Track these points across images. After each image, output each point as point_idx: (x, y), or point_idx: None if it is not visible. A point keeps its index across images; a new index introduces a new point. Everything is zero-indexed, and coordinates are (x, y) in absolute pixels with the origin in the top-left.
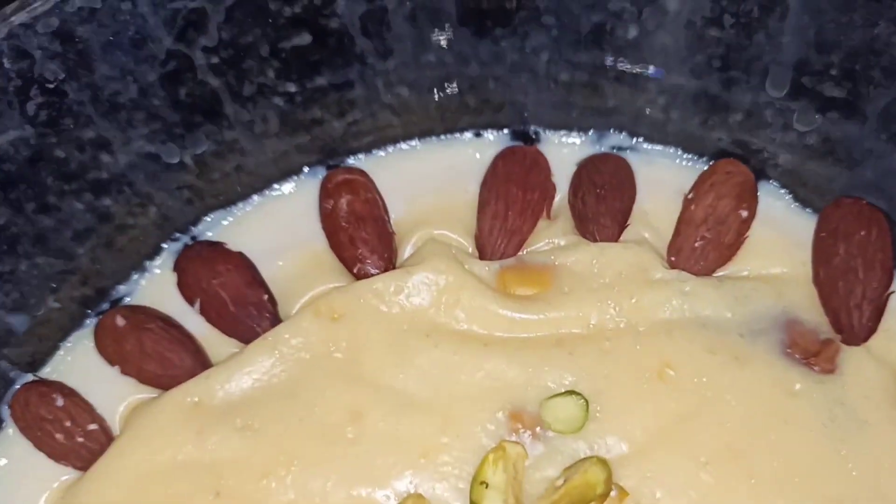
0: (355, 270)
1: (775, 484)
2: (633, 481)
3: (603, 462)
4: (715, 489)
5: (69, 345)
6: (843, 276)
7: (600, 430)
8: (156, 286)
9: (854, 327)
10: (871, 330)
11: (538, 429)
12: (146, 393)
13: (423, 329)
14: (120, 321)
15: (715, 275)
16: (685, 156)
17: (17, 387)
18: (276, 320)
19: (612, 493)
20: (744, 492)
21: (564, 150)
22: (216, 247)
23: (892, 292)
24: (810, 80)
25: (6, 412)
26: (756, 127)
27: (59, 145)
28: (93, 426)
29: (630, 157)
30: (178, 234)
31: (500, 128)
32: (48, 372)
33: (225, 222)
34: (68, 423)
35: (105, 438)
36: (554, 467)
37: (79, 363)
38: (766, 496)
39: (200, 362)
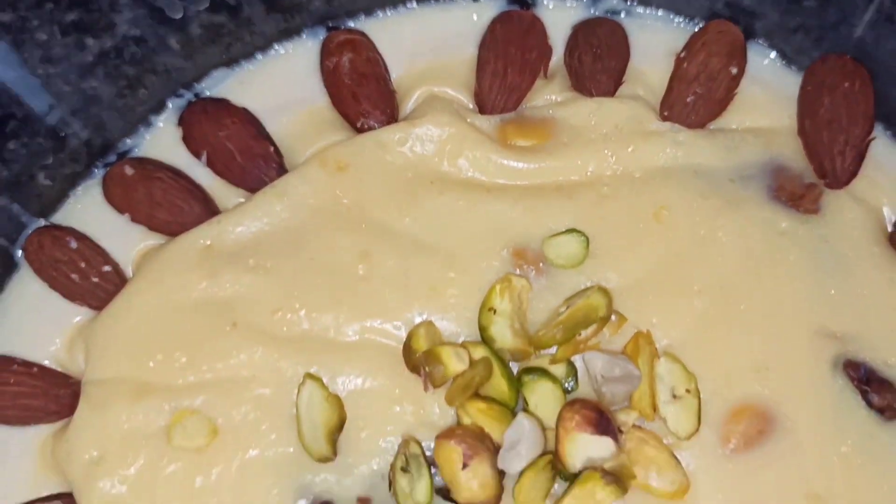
0: (358, 125)
1: (763, 311)
2: (631, 309)
3: (604, 290)
4: (707, 315)
5: (78, 193)
6: (827, 125)
7: (599, 265)
8: (161, 141)
9: (836, 172)
10: (853, 174)
11: (541, 265)
12: (157, 240)
13: (428, 177)
14: (128, 170)
15: (706, 127)
16: (677, 19)
17: (30, 229)
18: (282, 170)
19: (612, 319)
20: (735, 317)
21: (559, 14)
22: (221, 102)
23: (873, 139)
24: None
25: (20, 255)
26: None
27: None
28: (107, 268)
29: (624, 20)
30: (182, 91)
31: None
32: (59, 219)
33: (228, 81)
34: (83, 265)
35: (119, 280)
36: (556, 298)
37: (89, 211)
38: (754, 322)
39: (209, 210)
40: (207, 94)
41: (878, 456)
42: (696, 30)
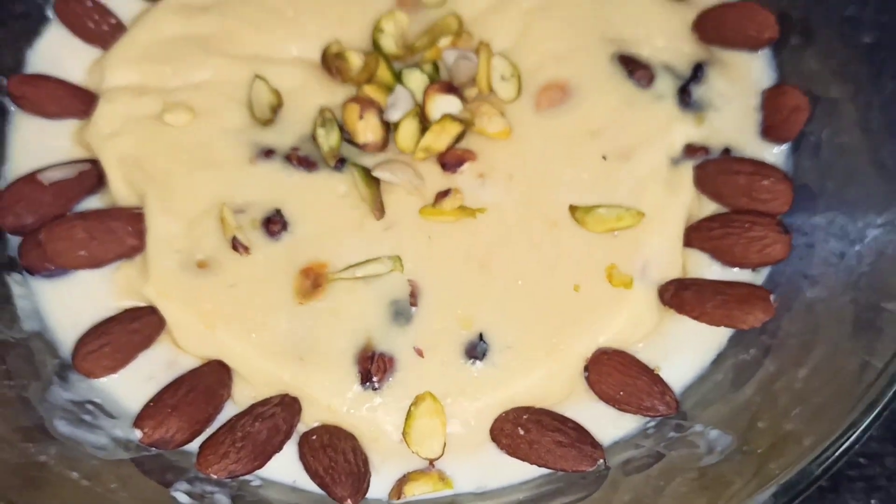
0: None
1: (567, 22)
2: (477, 29)
3: (457, 15)
4: (528, 28)
5: None
6: None
7: (455, 3)
8: None
9: None
10: None
11: (416, 5)
12: (149, 4)
13: None
14: None
15: None
16: None
17: None
18: None
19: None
20: (546, 27)
21: None
22: None
23: None
24: None
25: (51, 12)
26: None
27: None
28: (112, 20)
29: None
30: None
31: None
32: None
33: None
34: (96, 17)
35: (121, 28)
36: (426, 25)
37: None
38: (560, 29)
39: None
40: None
41: (637, 106)
42: None
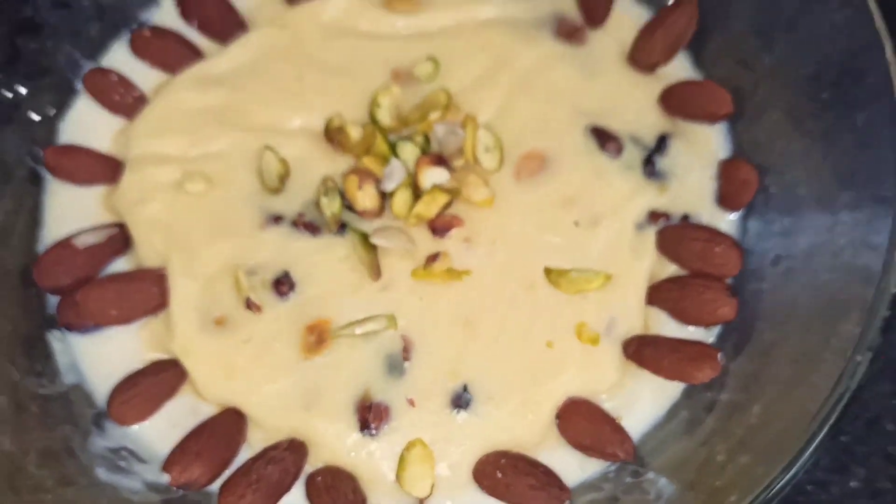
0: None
1: (545, 98)
2: (464, 102)
3: (446, 91)
4: (510, 102)
5: (115, 47)
6: None
7: (445, 78)
8: (166, 15)
9: (596, 17)
10: (604, 19)
11: (410, 80)
12: (167, 76)
13: (342, 29)
14: (147, 34)
15: None
16: None
17: (86, 69)
18: (246, 29)
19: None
20: (526, 102)
21: None
22: None
23: None
24: None
25: (80, 86)
26: None
27: None
28: (137, 93)
29: None
30: None
31: None
32: (104, 63)
33: None
34: (122, 90)
35: (144, 100)
36: (418, 98)
37: (123, 58)
38: (538, 104)
39: (199, 55)
40: None
41: (607, 176)
42: None
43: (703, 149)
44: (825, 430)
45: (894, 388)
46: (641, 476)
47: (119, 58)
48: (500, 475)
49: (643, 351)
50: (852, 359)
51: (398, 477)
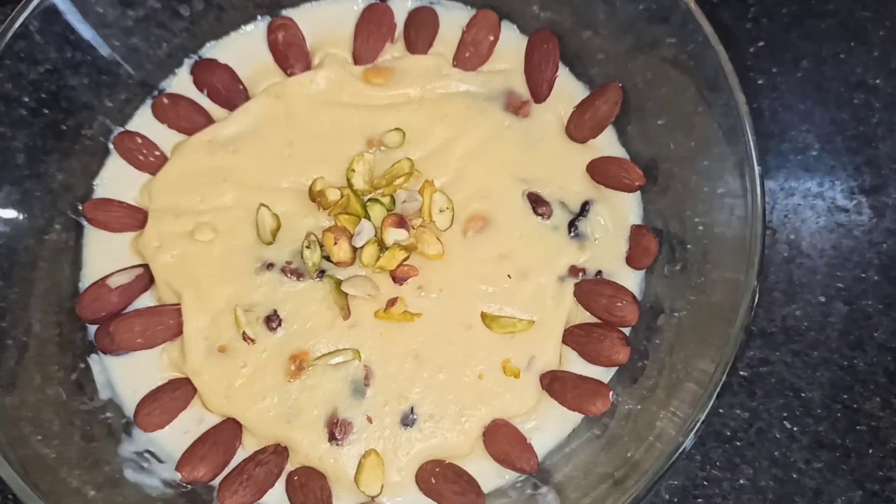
0: (288, 73)
1: (490, 167)
2: (424, 169)
3: (410, 159)
4: (462, 170)
5: (139, 113)
6: (537, 67)
7: (410, 147)
8: (181, 83)
9: (540, 94)
10: (547, 95)
11: (381, 147)
12: (182, 137)
13: (325, 100)
14: (165, 100)
15: (476, 70)
16: (466, 7)
17: (115, 133)
18: (247, 98)
19: (414, 175)
20: (475, 171)
21: (401, 5)
22: (213, 61)
23: (557, 76)
24: None
25: (112, 147)
26: None
27: None
28: (158, 153)
29: (437, 8)
30: (191, 54)
31: None
32: (131, 126)
33: (216, 48)
34: (145, 151)
35: (164, 158)
36: (388, 163)
37: (146, 123)
38: (484, 173)
39: (210, 120)
40: (205, 56)
41: (537, 235)
42: (473, 14)
43: (618, 214)
44: (674, 458)
45: (786, 402)
46: (538, 489)
47: (143, 121)
48: (433, 481)
49: (553, 385)
50: (702, 396)
51: (356, 479)
